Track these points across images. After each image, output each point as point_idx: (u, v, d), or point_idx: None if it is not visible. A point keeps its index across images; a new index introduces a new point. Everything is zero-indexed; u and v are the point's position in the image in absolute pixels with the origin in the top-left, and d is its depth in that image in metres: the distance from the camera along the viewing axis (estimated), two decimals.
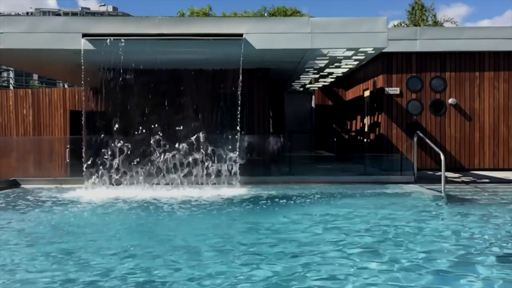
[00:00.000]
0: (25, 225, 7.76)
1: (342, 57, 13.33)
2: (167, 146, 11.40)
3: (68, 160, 12.97)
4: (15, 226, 7.72)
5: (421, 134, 12.55)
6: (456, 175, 13.73)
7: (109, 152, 11.22)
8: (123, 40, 11.20)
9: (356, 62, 14.37)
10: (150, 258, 5.72)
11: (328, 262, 5.48)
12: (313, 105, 21.03)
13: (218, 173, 11.44)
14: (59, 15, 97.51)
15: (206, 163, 11.44)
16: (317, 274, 5.06)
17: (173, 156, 11.35)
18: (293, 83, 19.09)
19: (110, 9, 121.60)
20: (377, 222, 7.66)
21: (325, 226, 7.51)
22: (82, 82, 12.22)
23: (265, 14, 46.04)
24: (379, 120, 15.46)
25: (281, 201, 9.72)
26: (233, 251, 5.98)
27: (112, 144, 11.26)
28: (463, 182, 12.37)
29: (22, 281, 5.02)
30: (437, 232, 6.99)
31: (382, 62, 14.99)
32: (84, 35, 11.32)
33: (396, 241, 6.44)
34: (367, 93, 17.01)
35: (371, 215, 8.29)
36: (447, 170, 11.84)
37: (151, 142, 11.37)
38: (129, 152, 11.19)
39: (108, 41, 11.21)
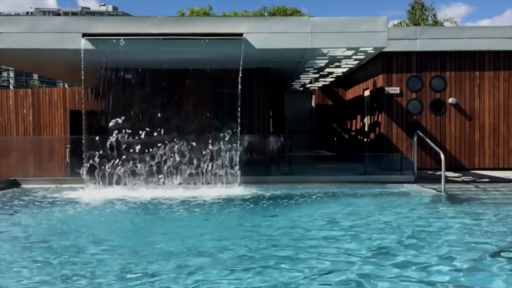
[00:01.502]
0: (16, 225, 7.73)
1: (342, 57, 13.32)
2: (167, 146, 11.39)
3: (68, 160, 12.97)
4: (5, 227, 7.68)
5: (421, 134, 12.55)
6: (456, 174, 13.73)
7: (109, 152, 11.21)
8: (123, 40, 11.20)
9: (356, 62, 14.37)
10: (141, 260, 5.62)
11: (340, 262, 5.49)
12: (313, 104, 21.03)
13: (219, 173, 11.42)
14: (59, 14, 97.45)
15: (206, 163, 11.42)
16: (332, 275, 5.05)
17: (173, 156, 11.34)
18: (293, 83, 19.08)
19: (110, 8, 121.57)
20: (379, 223, 7.64)
21: (331, 226, 7.49)
22: (82, 82, 12.22)
23: (265, 14, 46.03)
24: (379, 120, 15.45)
25: (283, 201, 9.72)
26: (241, 252, 5.94)
27: (112, 144, 11.25)
28: (463, 181, 12.37)
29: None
30: (441, 232, 6.98)
31: (382, 62, 14.98)
32: (84, 35, 11.32)
33: (402, 241, 6.42)
34: (367, 93, 17.00)
35: (374, 216, 8.25)
36: (447, 169, 11.83)
37: (151, 141, 11.36)
38: (128, 152, 11.18)
39: (108, 41, 11.21)
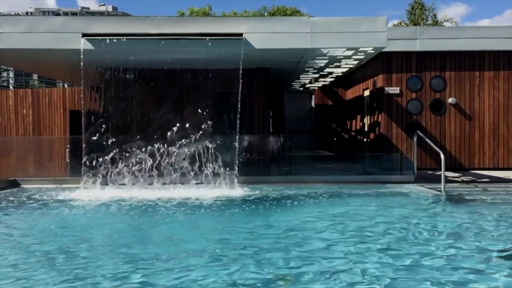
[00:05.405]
0: (9, 226, 7.71)
1: (342, 57, 13.32)
2: (166, 146, 11.38)
3: (68, 160, 12.96)
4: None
5: (421, 134, 12.54)
6: (456, 174, 13.72)
7: (108, 152, 11.19)
8: (123, 40, 11.19)
9: (356, 62, 14.37)
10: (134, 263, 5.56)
11: (347, 261, 5.52)
12: (313, 104, 21.03)
13: (218, 173, 11.40)
14: (59, 14, 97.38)
15: (205, 163, 11.40)
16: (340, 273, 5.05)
17: (173, 156, 11.33)
18: (293, 83, 19.08)
19: (109, 8, 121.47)
20: (379, 223, 7.64)
21: (336, 227, 7.50)
22: (82, 82, 12.21)
23: (265, 14, 46.06)
24: (379, 120, 15.45)
25: (288, 201, 9.71)
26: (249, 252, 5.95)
27: (111, 144, 11.24)
28: (463, 181, 12.36)
29: None
30: (440, 232, 6.99)
31: (382, 62, 14.98)
32: (83, 35, 11.32)
33: (405, 241, 6.44)
34: (367, 93, 17.00)
35: (374, 216, 8.26)
36: (447, 169, 11.83)
37: (150, 142, 11.34)
38: (127, 153, 11.16)
39: (108, 41, 11.20)
